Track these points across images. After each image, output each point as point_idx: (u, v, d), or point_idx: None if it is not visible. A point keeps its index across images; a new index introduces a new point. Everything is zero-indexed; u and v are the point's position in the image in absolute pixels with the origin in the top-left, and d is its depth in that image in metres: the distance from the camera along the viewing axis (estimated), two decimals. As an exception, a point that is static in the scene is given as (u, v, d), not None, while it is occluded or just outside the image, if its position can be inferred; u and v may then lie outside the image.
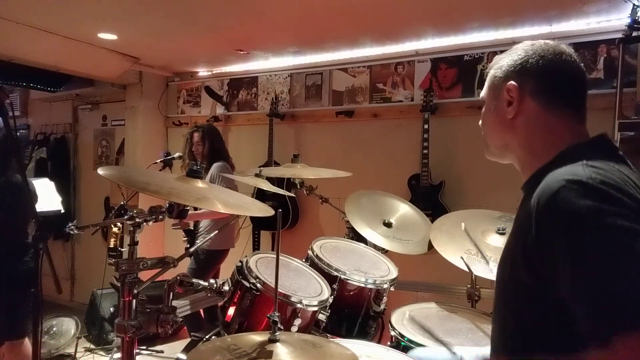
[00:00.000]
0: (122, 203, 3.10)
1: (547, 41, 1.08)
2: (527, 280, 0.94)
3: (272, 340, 1.30)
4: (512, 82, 1.07)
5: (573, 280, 0.83)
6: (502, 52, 1.15)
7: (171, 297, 1.43)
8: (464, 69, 3.40)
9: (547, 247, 0.88)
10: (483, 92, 1.17)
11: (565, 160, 0.95)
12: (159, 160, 3.83)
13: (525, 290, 0.96)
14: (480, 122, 1.20)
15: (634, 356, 0.76)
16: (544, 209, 0.88)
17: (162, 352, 3.82)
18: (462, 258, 2.07)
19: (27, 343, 2.76)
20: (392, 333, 1.85)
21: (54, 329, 3.93)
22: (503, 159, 1.17)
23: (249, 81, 4.50)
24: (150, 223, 1.45)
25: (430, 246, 2.32)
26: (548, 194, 0.88)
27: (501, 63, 1.11)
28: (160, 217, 1.45)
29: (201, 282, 1.51)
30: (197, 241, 3.44)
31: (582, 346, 0.82)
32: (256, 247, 4.18)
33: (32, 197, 2.65)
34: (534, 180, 0.99)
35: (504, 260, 1.06)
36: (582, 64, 1.07)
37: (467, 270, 2.05)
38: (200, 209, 3.33)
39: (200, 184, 1.58)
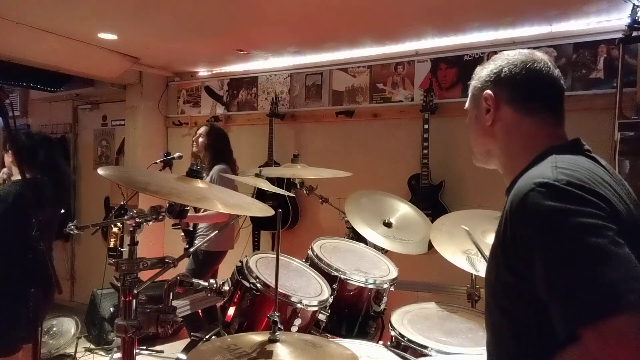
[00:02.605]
0: (122, 203, 3.09)
1: (521, 51, 1.14)
2: (511, 279, 0.97)
3: (272, 340, 1.30)
4: (488, 91, 1.13)
5: (546, 280, 0.87)
6: (502, 52, 1.18)
7: (171, 297, 1.43)
8: (464, 69, 3.40)
9: (522, 248, 0.92)
10: (467, 103, 1.25)
11: (538, 165, 1.00)
12: (159, 160, 3.82)
13: (511, 290, 0.98)
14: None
15: (602, 345, 0.78)
16: (515, 211, 0.94)
17: (162, 352, 3.81)
18: (465, 253, 2.06)
19: None
20: (392, 333, 1.85)
21: (54, 329, 3.93)
22: (488, 164, 1.22)
23: (249, 81, 4.50)
24: (150, 223, 1.45)
25: (430, 246, 2.32)
26: (519, 197, 0.93)
27: (480, 74, 1.18)
28: (160, 217, 1.45)
29: (201, 282, 1.51)
30: (196, 241, 3.44)
31: (560, 344, 0.85)
32: (256, 247, 4.18)
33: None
34: (513, 185, 1.02)
35: (490, 263, 1.08)
36: (557, 70, 1.12)
37: (468, 265, 2.05)
38: (200, 210, 3.34)
39: (200, 184, 1.58)
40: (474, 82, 1.20)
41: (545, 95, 1.10)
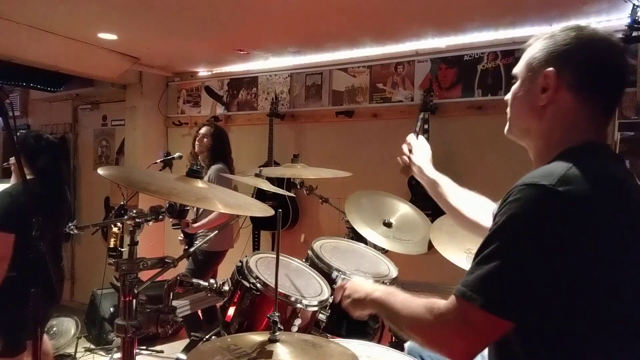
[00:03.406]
0: (122, 203, 3.10)
1: (597, 29, 1.03)
2: None
3: (272, 340, 1.30)
4: (552, 69, 1.01)
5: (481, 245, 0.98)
6: (501, 52, 1.15)
7: (171, 297, 1.43)
8: (464, 69, 3.40)
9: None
10: (517, 68, 1.11)
11: (557, 160, 0.99)
12: (159, 160, 3.83)
13: None
14: (507, 96, 1.15)
15: (454, 317, 0.95)
16: (508, 193, 0.97)
17: (162, 352, 3.81)
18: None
19: (46, 339, 2.83)
20: (392, 333, 1.85)
21: (54, 329, 3.93)
22: (520, 141, 1.14)
23: (249, 81, 4.50)
24: (150, 223, 1.45)
25: (430, 246, 2.32)
26: (516, 184, 0.96)
27: (544, 43, 1.04)
28: (160, 217, 1.45)
29: (201, 282, 1.51)
30: (196, 242, 3.44)
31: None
32: (256, 247, 4.18)
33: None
34: None
35: None
36: (628, 61, 1.05)
37: (468, 265, 2.05)
38: (199, 212, 3.34)
39: (200, 184, 1.58)
40: (536, 52, 1.05)
41: (607, 88, 1.02)
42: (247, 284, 1.82)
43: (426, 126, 3.35)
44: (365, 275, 2.12)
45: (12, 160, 2.72)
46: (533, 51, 1.06)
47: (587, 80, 1.00)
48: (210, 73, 4.76)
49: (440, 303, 0.99)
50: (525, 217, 0.91)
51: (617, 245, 0.90)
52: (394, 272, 2.26)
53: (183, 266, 3.36)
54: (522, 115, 1.10)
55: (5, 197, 2.42)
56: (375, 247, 2.45)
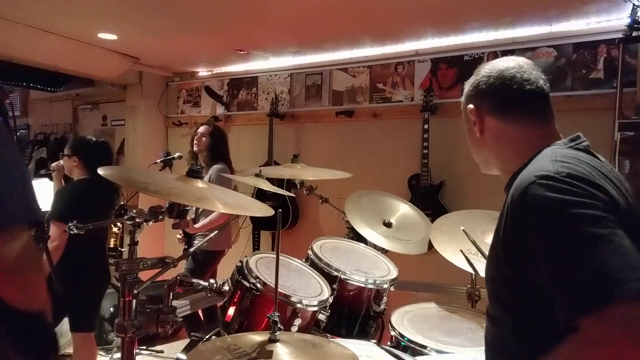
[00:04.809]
0: (122, 203, 3.10)
1: (497, 60, 1.18)
2: (511, 273, 0.98)
3: (272, 340, 1.30)
4: (470, 105, 1.19)
5: (547, 271, 0.88)
6: (502, 52, 1.19)
7: (171, 297, 1.43)
8: (464, 69, 3.40)
9: (523, 240, 0.93)
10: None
11: (537, 159, 1.02)
12: (159, 160, 3.83)
13: (511, 284, 1.00)
14: None
15: (602, 333, 0.79)
16: (516, 204, 0.95)
17: (162, 352, 3.81)
18: (461, 251, 2.06)
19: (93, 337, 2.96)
20: (392, 333, 1.85)
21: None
22: (491, 171, 1.25)
23: (249, 81, 4.50)
24: (150, 223, 1.45)
25: (430, 246, 2.32)
26: (520, 190, 0.95)
27: (466, 90, 1.23)
28: (160, 217, 1.45)
29: (201, 282, 1.51)
30: (195, 241, 3.44)
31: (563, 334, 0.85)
32: (256, 247, 4.18)
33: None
34: (511, 182, 1.05)
35: (490, 258, 1.10)
36: (536, 71, 1.14)
37: (468, 265, 2.05)
38: (199, 212, 3.34)
39: (200, 184, 1.58)
40: (462, 97, 1.24)
41: (522, 99, 1.12)
42: (247, 284, 1.82)
43: (426, 126, 3.35)
44: (365, 275, 2.12)
45: (54, 165, 3.04)
46: (462, 100, 1.24)
47: (499, 102, 1.14)
48: (210, 73, 4.76)
49: (578, 339, 0.82)
50: (562, 202, 0.87)
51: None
52: (394, 272, 2.26)
53: (183, 266, 3.36)
54: (475, 150, 1.25)
55: (64, 193, 2.75)
56: (375, 247, 2.45)
